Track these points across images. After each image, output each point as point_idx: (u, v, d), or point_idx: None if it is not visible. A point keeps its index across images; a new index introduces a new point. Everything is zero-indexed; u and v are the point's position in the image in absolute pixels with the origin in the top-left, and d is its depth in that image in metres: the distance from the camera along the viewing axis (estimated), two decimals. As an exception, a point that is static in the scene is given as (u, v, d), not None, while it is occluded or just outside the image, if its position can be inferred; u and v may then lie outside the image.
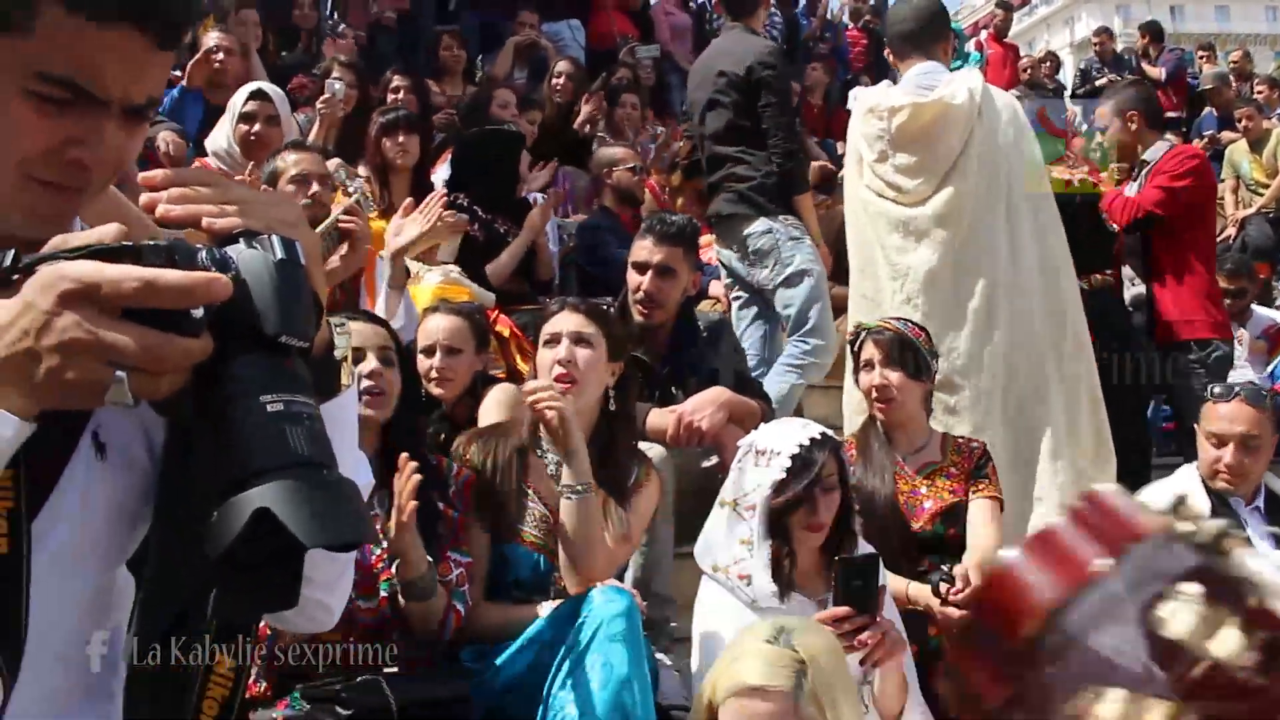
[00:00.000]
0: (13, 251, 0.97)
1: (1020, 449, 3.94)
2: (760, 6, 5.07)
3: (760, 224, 4.69)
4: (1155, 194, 4.80)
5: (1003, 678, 0.82)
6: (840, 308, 4.94)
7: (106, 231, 0.98)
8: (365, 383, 2.85)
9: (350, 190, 3.95)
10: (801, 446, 2.83)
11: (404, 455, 2.61)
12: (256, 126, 4.72)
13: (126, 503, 1.16)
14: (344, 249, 3.48)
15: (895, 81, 4.40)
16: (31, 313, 0.92)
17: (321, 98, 5.46)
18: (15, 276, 0.95)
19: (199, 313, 0.94)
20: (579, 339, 2.97)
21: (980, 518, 3.40)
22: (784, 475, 2.81)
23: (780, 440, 2.88)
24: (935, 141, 4.03)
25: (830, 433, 2.95)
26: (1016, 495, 3.75)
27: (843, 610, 2.65)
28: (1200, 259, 4.80)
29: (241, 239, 0.99)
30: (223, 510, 0.90)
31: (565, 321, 3.01)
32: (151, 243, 0.96)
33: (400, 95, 6.01)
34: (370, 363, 2.87)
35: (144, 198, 1.03)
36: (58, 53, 1.05)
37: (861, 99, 4.32)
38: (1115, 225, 4.92)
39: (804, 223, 4.73)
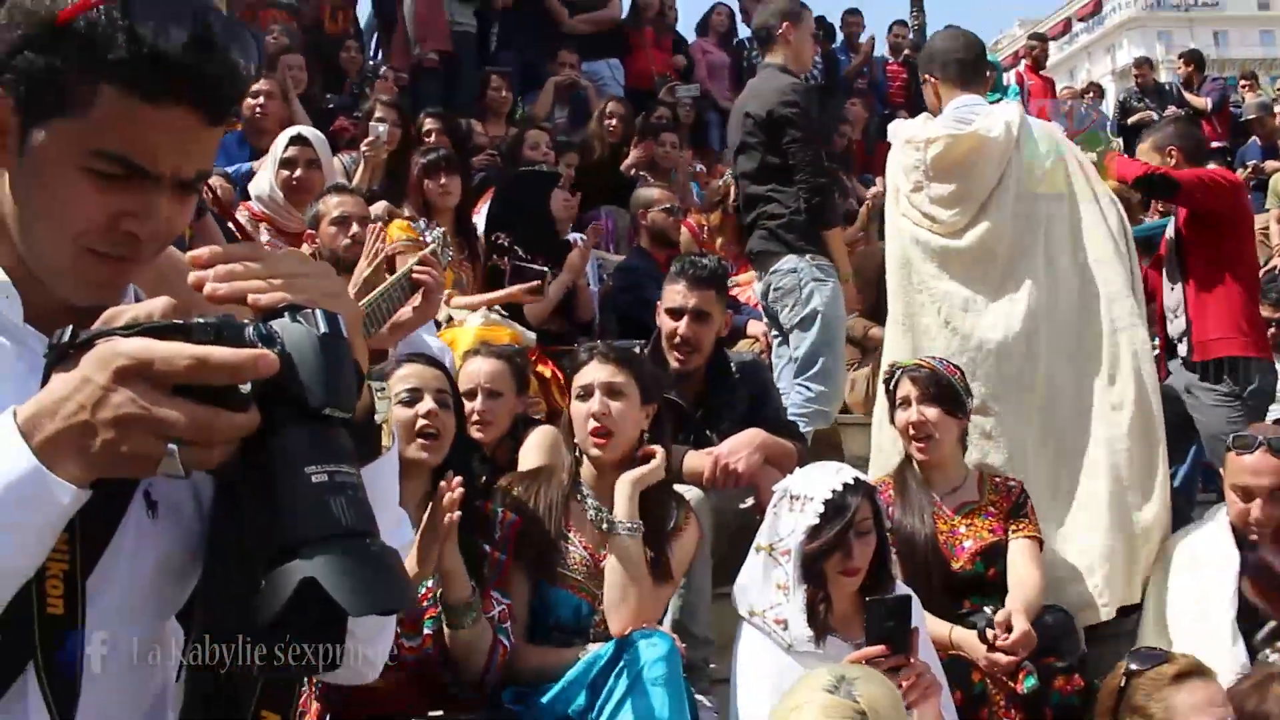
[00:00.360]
0: (70, 328, 1.02)
1: (1060, 481, 3.92)
2: (778, 43, 4.99)
3: (786, 261, 4.69)
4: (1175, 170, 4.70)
5: None
6: (872, 349, 4.97)
7: (156, 306, 1.03)
8: (421, 423, 2.91)
9: (429, 240, 3.99)
10: (835, 492, 2.85)
11: (449, 473, 2.67)
12: (298, 171, 4.82)
13: (175, 557, 1.20)
14: (417, 299, 3.47)
15: (928, 112, 4.40)
16: (88, 388, 0.97)
17: (366, 141, 5.55)
18: (72, 351, 1.00)
19: (246, 388, 0.98)
20: (611, 390, 3.01)
21: (1021, 558, 3.40)
22: (818, 520, 2.83)
23: (814, 485, 2.90)
24: (970, 173, 4.05)
25: (864, 477, 2.97)
26: (1051, 526, 3.73)
27: (876, 650, 2.64)
28: (1239, 278, 4.64)
29: (286, 313, 1.03)
30: (270, 579, 0.94)
31: (596, 373, 3.05)
32: (200, 320, 1.00)
33: (433, 138, 6.11)
34: (427, 403, 2.93)
35: (192, 276, 1.08)
36: (113, 131, 1.10)
37: (899, 131, 4.35)
38: (1122, 180, 4.77)
39: (833, 257, 4.71)
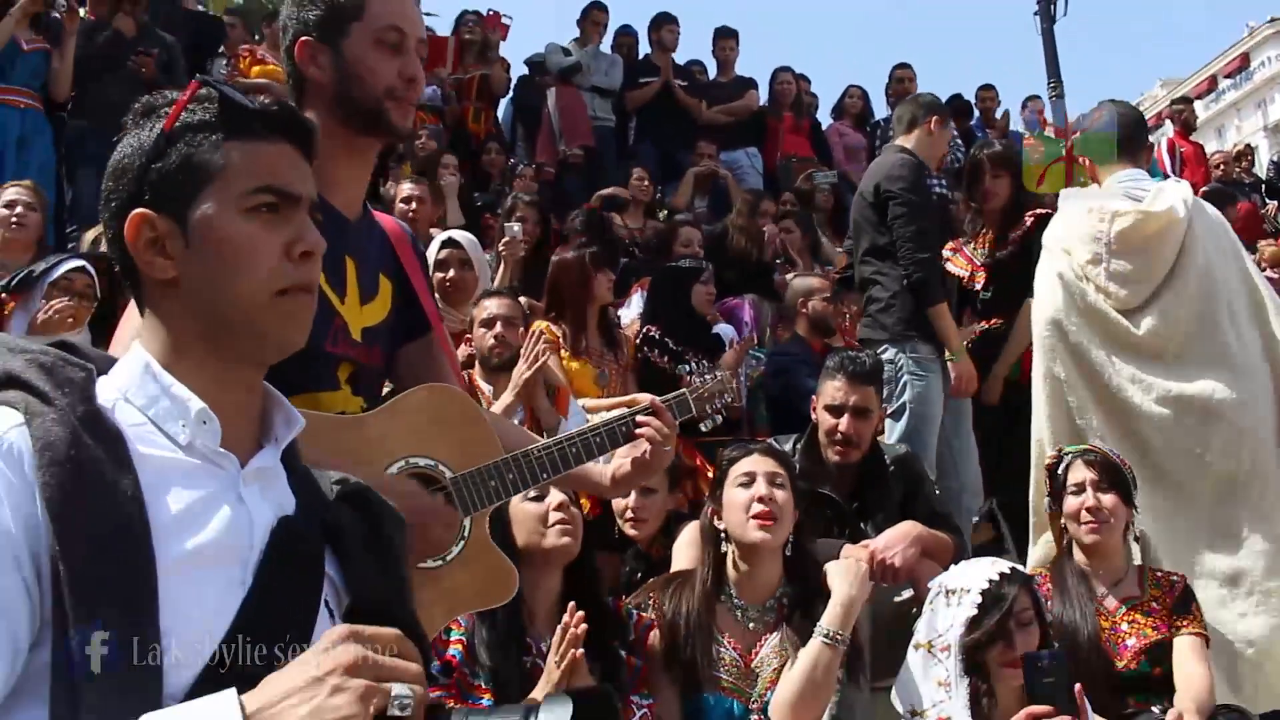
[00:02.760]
0: None
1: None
2: (918, 130, 5.04)
3: (885, 351, 4.69)
4: None
5: None
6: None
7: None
8: (554, 516, 2.97)
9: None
10: (991, 582, 2.84)
11: (571, 605, 2.69)
12: (451, 273, 5.01)
13: None
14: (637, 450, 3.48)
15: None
16: (319, 687, 1.02)
17: (503, 241, 5.73)
18: None
19: None
20: (774, 479, 3.06)
21: (1188, 656, 3.28)
22: (976, 611, 2.82)
23: (969, 578, 2.90)
24: (1153, 252, 3.92)
25: (1020, 568, 2.96)
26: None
27: (1043, 709, 2.63)
28: None
29: None
30: None
31: (760, 463, 3.09)
32: None
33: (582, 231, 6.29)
34: (555, 495, 3.00)
35: None
36: (250, 171, 1.29)
37: (1077, 196, 4.25)
38: None
39: (943, 334, 4.62)
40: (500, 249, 5.72)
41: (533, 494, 2.99)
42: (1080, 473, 3.49)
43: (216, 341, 1.29)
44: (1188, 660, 3.26)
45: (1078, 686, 2.70)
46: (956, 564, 3.16)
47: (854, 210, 5.03)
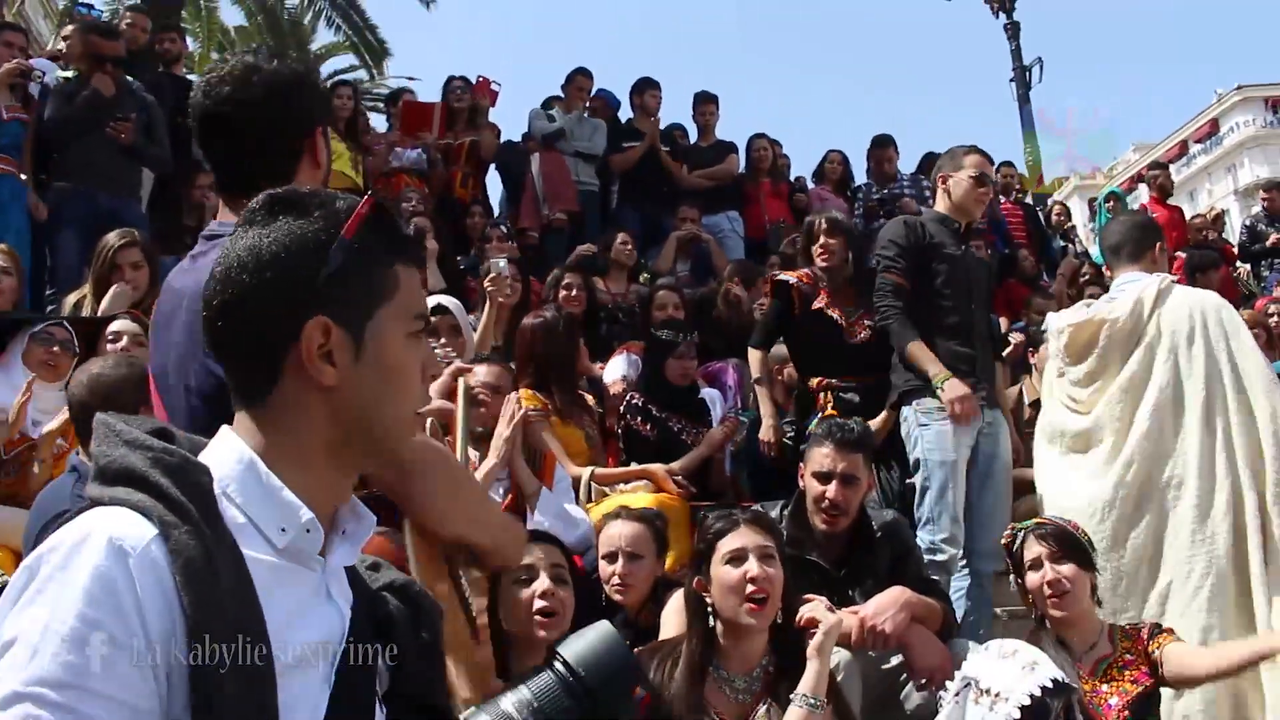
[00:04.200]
0: None
1: None
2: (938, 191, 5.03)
3: (903, 410, 4.72)
4: None
5: None
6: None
7: None
8: (539, 603, 2.95)
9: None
10: (1033, 698, 2.64)
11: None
12: (442, 340, 4.97)
13: None
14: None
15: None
16: None
17: (488, 279, 5.56)
18: None
19: None
20: (764, 553, 3.01)
21: (1182, 653, 3.38)
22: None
23: (1010, 683, 2.70)
24: (1100, 355, 4.30)
25: (1062, 677, 2.74)
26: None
27: None
28: None
29: None
30: None
31: (749, 538, 3.03)
32: None
33: (573, 293, 6.32)
34: (543, 582, 2.97)
35: None
36: (411, 297, 1.35)
37: (1049, 322, 4.67)
38: None
39: (921, 365, 4.61)
40: (486, 285, 5.54)
41: (522, 575, 2.96)
42: (1034, 548, 3.53)
43: (348, 452, 1.31)
44: (1186, 655, 3.36)
45: None
46: (973, 648, 3.10)
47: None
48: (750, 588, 2.95)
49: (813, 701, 2.84)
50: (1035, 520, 3.67)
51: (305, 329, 1.25)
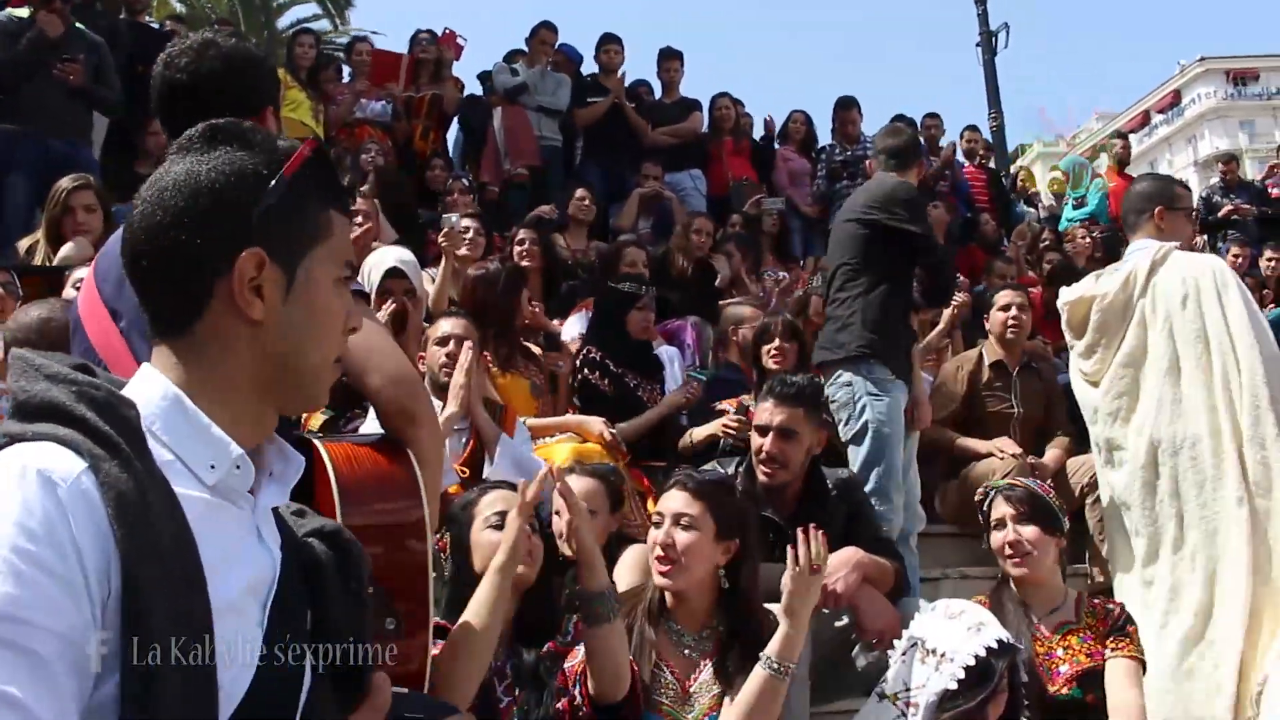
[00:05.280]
0: None
1: None
2: (908, 167, 4.97)
3: (843, 376, 4.58)
4: None
5: None
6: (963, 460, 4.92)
7: None
8: None
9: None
10: (978, 658, 2.73)
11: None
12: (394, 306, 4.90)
13: None
14: None
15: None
16: None
17: (442, 234, 5.58)
18: None
19: None
20: (679, 520, 3.03)
21: (1121, 679, 3.30)
22: (956, 686, 2.72)
23: (955, 643, 2.78)
24: (1096, 330, 4.47)
25: (1007, 637, 2.83)
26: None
27: None
28: None
29: None
30: None
31: (671, 501, 3.07)
32: None
33: (525, 248, 6.26)
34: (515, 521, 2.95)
35: None
36: (343, 243, 1.35)
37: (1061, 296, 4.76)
38: None
39: None
40: (440, 240, 5.55)
41: (494, 520, 2.96)
42: (1001, 508, 3.54)
43: (272, 389, 1.30)
44: (1120, 684, 3.28)
45: None
46: (923, 607, 3.11)
47: (836, 229, 4.95)
48: (657, 551, 3.01)
49: (775, 665, 2.82)
50: (1008, 481, 3.70)
51: (239, 260, 1.23)
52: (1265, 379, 4.03)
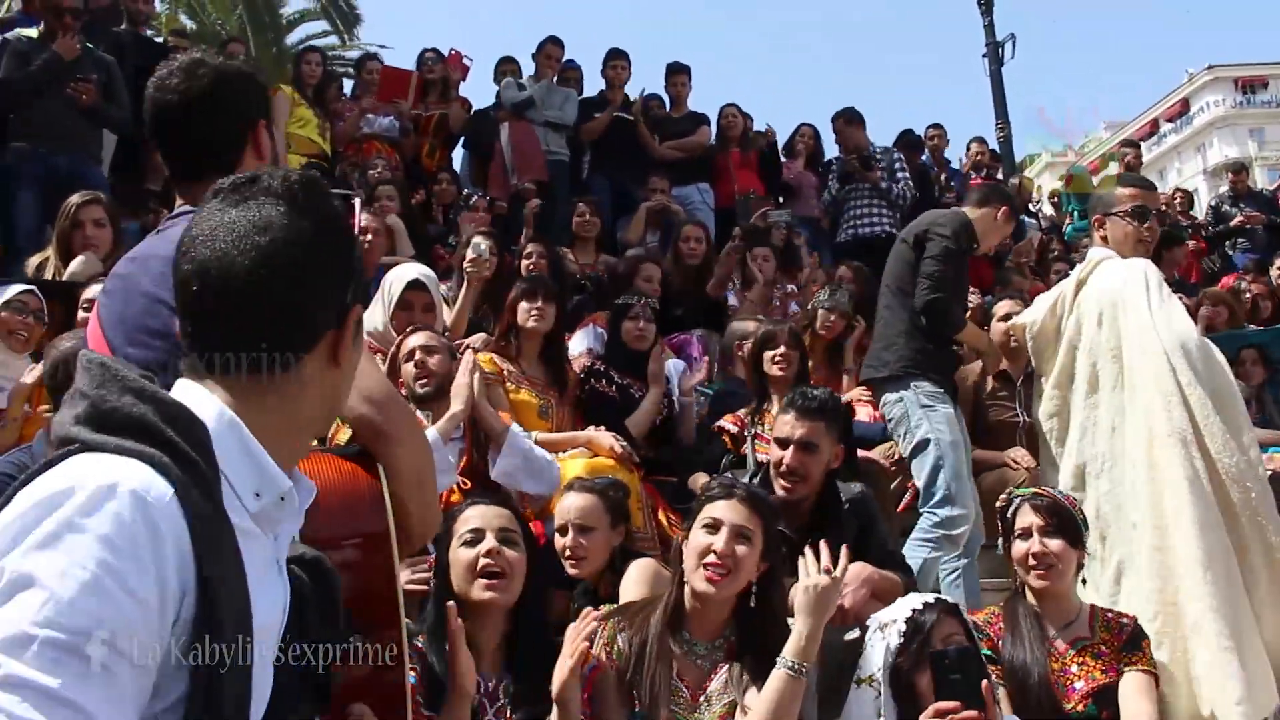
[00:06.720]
0: None
1: None
2: (987, 205, 5.04)
3: (892, 394, 4.73)
4: None
5: None
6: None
7: None
8: (483, 562, 2.93)
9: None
10: (915, 611, 2.96)
11: (589, 609, 2.85)
12: (415, 316, 4.93)
13: None
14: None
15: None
16: None
17: (469, 259, 5.60)
18: None
19: None
20: (740, 534, 3.01)
21: (1134, 693, 3.28)
22: (901, 640, 2.92)
23: (895, 610, 3.02)
24: (1034, 356, 4.64)
25: (945, 598, 3.09)
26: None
27: (948, 705, 2.72)
28: None
29: None
30: None
31: (731, 512, 3.04)
32: None
33: (534, 261, 6.24)
34: (488, 542, 2.95)
35: None
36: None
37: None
38: None
39: (975, 341, 4.92)
40: (466, 266, 5.59)
41: (468, 537, 2.95)
42: (1027, 517, 3.50)
43: (321, 425, 1.39)
44: (1133, 698, 3.26)
45: (985, 683, 2.77)
46: None
47: (891, 253, 5.07)
48: (711, 558, 2.97)
49: (791, 665, 2.82)
50: (1034, 490, 3.66)
51: (353, 313, 1.34)
52: (1177, 381, 4.00)
